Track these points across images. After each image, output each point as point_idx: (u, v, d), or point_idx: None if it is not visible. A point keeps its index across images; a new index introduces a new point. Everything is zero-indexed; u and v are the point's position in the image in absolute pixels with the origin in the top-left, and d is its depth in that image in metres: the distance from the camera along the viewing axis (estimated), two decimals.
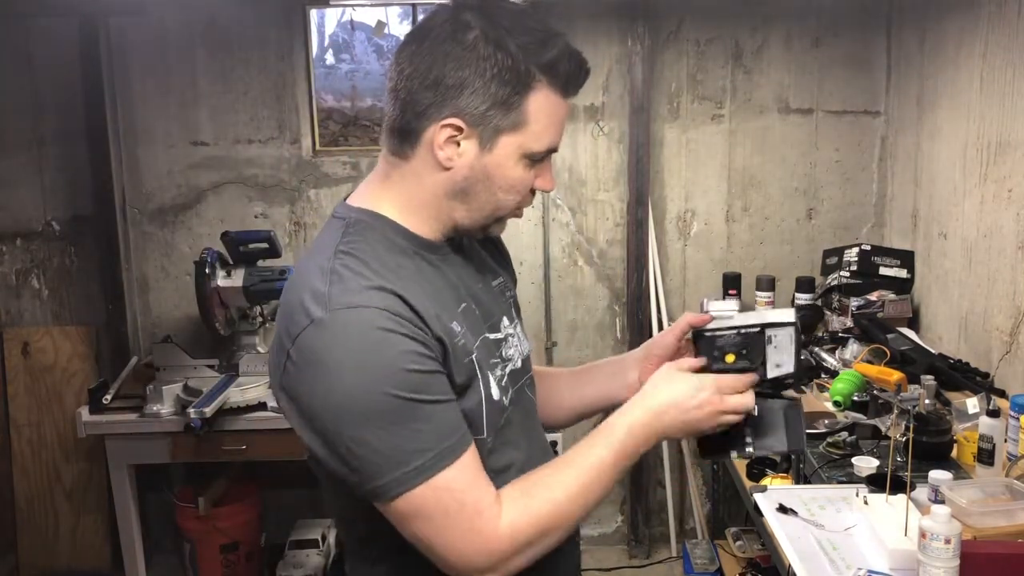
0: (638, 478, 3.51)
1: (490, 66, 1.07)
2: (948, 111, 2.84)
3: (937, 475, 1.78)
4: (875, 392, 2.36)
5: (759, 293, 3.20)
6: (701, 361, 1.22)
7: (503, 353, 1.23)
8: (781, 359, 1.22)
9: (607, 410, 1.28)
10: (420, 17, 3.30)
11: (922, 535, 1.47)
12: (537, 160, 1.15)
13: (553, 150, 1.16)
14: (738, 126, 3.37)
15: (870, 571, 1.62)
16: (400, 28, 3.67)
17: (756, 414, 1.21)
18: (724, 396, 1.17)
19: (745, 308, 1.30)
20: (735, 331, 1.23)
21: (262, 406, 2.85)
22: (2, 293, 3.41)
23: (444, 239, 1.19)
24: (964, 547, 1.47)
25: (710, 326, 1.25)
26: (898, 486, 1.75)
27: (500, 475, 1.13)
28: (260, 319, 3.08)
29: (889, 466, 1.80)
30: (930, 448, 2.05)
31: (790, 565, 1.68)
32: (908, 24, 3.16)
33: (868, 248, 3.15)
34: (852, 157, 3.38)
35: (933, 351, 2.75)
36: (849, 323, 2.94)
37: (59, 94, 3.28)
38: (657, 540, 3.58)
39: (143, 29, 3.27)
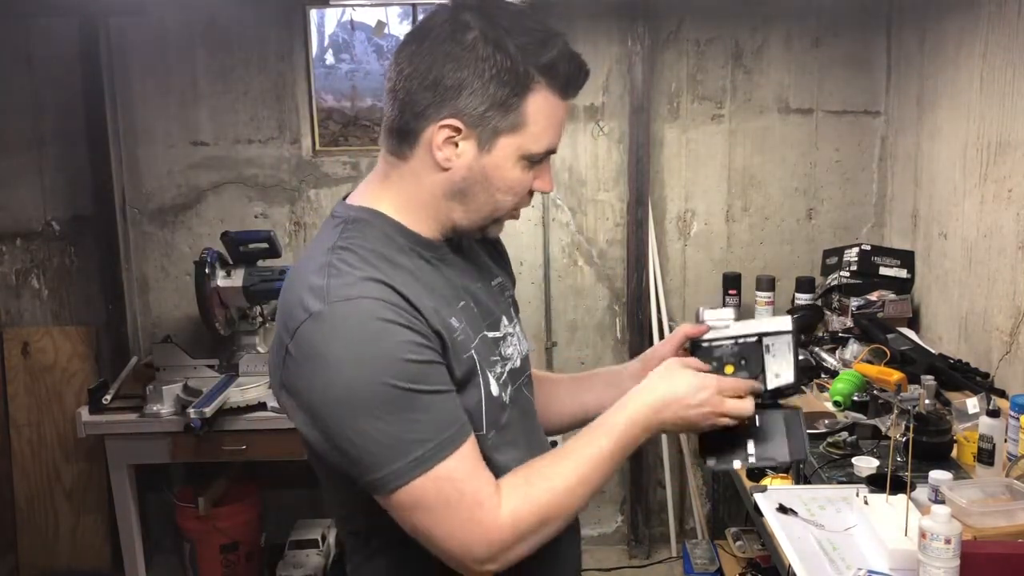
0: (638, 478, 3.51)
1: (489, 67, 1.08)
2: (948, 111, 2.84)
3: (937, 475, 1.78)
4: (875, 392, 2.36)
5: (759, 293, 3.20)
6: (704, 367, 1.22)
7: (502, 352, 1.23)
8: (780, 368, 1.22)
9: None
10: (420, 17, 3.30)
11: (922, 535, 1.47)
12: (536, 161, 1.15)
13: (552, 151, 1.16)
14: (738, 126, 3.37)
15: (870, 571, 1.62)
16: (400, 28, 3.67)
17: (756, 424, 1.21)
18: (724, 399, 1.17)
19: (744, 308, 1.30)
20: (732, 341, 1.24)
21: (262, 406, 2.85)
22: (2, 293, 3.41)
23: (443, 239, 1.19)
24: (964, 547, 1.46)
25: (707, 336, 1.25)
26: (898, 486, 1.75)
27: (500, 474, 1.13)
28: (260, 319, 3.08)
29: (889, 466, 1.80)
30: (930, 448, 2.05)
31: (790, 565, 1.68)
32: (908, 24, 3.16)
33: (868, 248, 3.15)
34: (852, 157, 3.38)
35: (933, 351, 2.75)
36: (849, 323, 2.94)
37: (59, 94, 3.28)
38: (657, 540, 3.58)
39: (143, 29, 3.27)
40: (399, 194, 1.16)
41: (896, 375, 2.42)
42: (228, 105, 3.34)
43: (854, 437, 2.21)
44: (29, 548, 3.39)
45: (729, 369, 1.23)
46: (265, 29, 3.30)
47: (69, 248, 3.41)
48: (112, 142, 3.29)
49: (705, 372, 1.21)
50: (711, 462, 1.25)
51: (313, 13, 3.42)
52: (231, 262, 2.99)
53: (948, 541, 1.44)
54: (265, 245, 3.00)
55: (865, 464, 2.03)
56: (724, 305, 3.26)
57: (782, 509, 1.87)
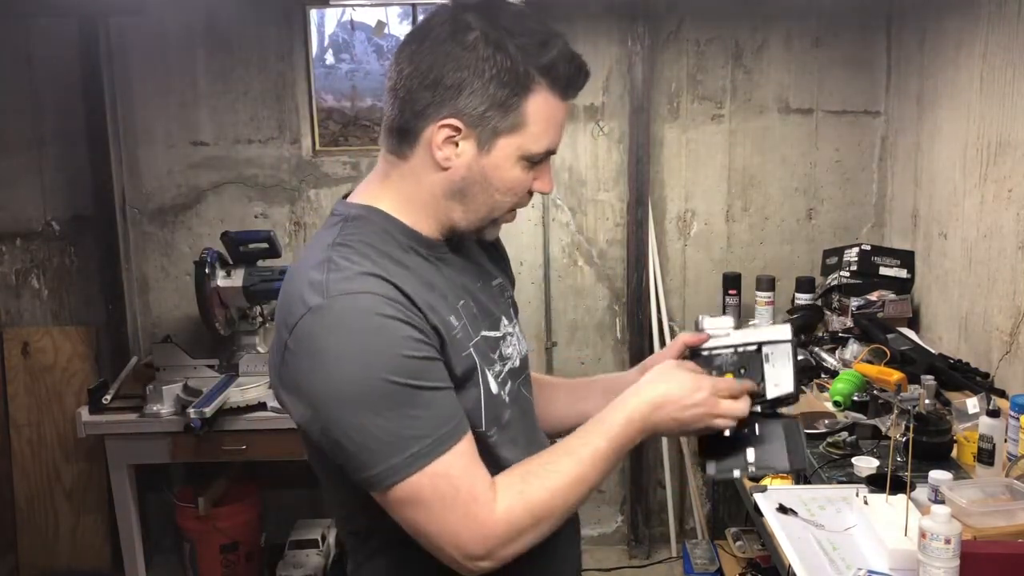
0: (638, 478, 3.51)
1: (489, 67, 1.08)
2: (948, 111, 2.84)
3: (937, 475, 1.78)
4: (875, 392, 2.36)
5: (759, 293, 3.20)
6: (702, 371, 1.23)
7: (502, 351, 1.23)
8: (780, 378, 1.23)
9: None
10: (420, 17, 3.30)
11: (922, 535, 1.47)
12: (535, 162, 1.15)
13: (551, 152, 1.17)
14: (738, 126, 3.37)
15: (870, 571, 1.62)
16: (400, 28, 3.67)
17: (756, 433, 1.22)
18: (719, 400, 1.17)
19: (745, 308, 1.31)
20: (732, 349, 1.24)
21: (262, 406, 2.85)
22: (2, 293, 3.41)
23: (442, 238, 1.19)
24: (964, 547, 1.46)
25: (707, 344, 1.26)
26: (898, 486, 1.75)
27: (499, 472, 1.13)
28: (260, 319, 3.08)
29: (889, 466, 1.80)
30: (930, 448, 2.05)
31: (790, 565, 1.68)
32: (908, 24, 3.16)
33: (868, 248, 3.15)
34: (852, 157, 3.38)
35: (933, 351, 2.75)
36: (849, 323, 2.94)
37: (59, 94, 3.28)
38: (657, 540, 3.58)
39: (143, 29, 3.27)
40: (399, 193, 1.16)
41: (896, 375, 2.42)
42: (228, 105, 3.34)
43: (854, 437, 2.21)
44: (29, 548, 3.39)
45: (729, 378, 1.23)
46: (265, 29, 3.30)
47: (69, 248, 3.41)
48: (112, 142, 3.29)
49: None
50: (711, 470, 1.25)
51: (313, 13, 3.42)
52: (231, 262, 2.99)
53: (948, 541, 1.45)
54: (265, 245, 3.00)
55: (865, 464, 2.03)
56: (724, 307, 3.26)
57: (782, 509, 1.87)
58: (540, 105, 1.11)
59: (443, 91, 1.08)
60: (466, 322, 1.15)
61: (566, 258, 3.46)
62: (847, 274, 3.10)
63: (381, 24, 3.62)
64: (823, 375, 2.69)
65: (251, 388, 2.88)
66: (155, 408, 2.84)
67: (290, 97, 3.34)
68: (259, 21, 3.29)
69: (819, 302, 3.13)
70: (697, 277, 3.46)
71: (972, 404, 2.18)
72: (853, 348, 2.76)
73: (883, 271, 3.09)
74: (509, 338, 1.26)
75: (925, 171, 3.03)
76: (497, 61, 1.08)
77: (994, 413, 1.96)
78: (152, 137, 3.36)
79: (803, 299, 3.15)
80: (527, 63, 1.09)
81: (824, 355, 2.78)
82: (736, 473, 1.24)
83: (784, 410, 1.27)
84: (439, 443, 1.05)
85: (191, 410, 2.69)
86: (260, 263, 3.00)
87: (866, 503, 1.78)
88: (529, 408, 1.31)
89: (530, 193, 1.18)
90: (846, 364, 2.66)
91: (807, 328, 3.03)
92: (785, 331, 1.25)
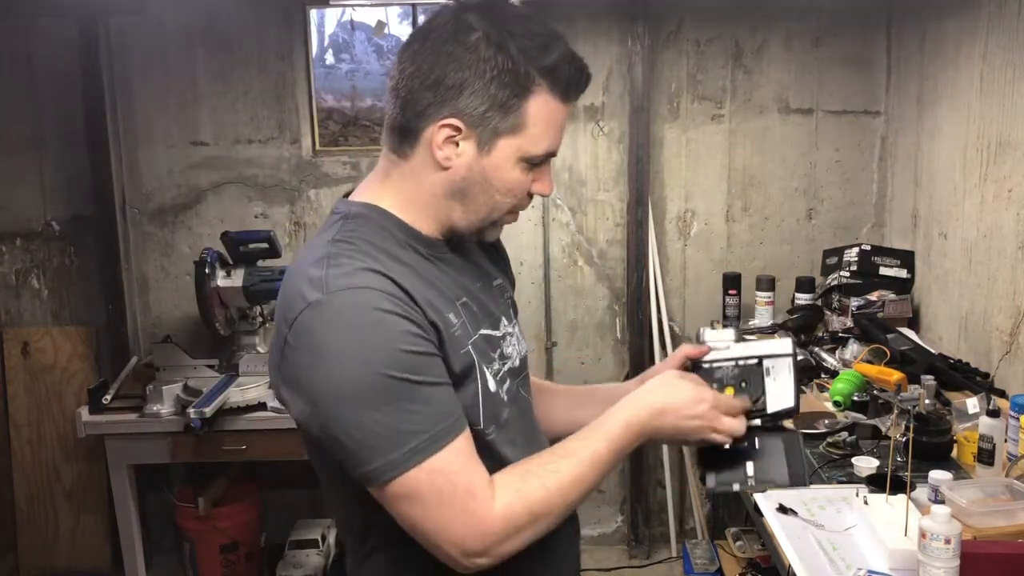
0: (638, 478, 3.51)
1: (490, 68, 1.08)
2: (948, 111, 2.84)
3: (937, 475, 1.78)
4: (875, 392, 2.36)
5: (759, 293, 3.20)
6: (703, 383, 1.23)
7: (502, 350, 1.23)
8: (780, 391, 1.23)
9: None
10: (420, 17, 3.31)
11: (922, 535, 1.47)
12: (535, 163, 1.15)
13: (552, 154, 1.17)
14: (738, 126, 3.37)
15: (870, 571, 1.62)
16: (400, 28, 3.67)
17: (756, 446, 1.22)
18: (719, 415, 1.18)
19: (744, 308, 1.31)
20: (733, 362, 1.24)
21: (262, 406, 2.85)
22: (2, 293, 3.41)
23: (442, 238, 1.19)
24: (964, 547, 1.47)
25: (708, 357, 1.26)
26: (898, 486, 1.75)
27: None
28: (260, 319, 3.08)
29: (889, 466, 1.80)
30: (930, 448, 2.05)
31: (790, 565, 1.68)
32: (908, 24, 3.16)
33: (868, 248, 3.15)
34: (852, 157, 3.38)
35: (933, 351, 2.75)
36: (849, 323, 2.94)
37: (59, 94, 3.28)
38: (657, 540, 3.58)
39: (143, 29, 3.27)
40: (399, 192, 1.16)
41: (896, 375, 2.42)
42: (228, 105, 3.34)
43: (854, 437, 2.21)
44: (29, 548, 3.40)
45: (730, 391, 1.23)
46: (265, 29, 3.30)
47: (69, 248, 3.41)
48: (112, 142, 3.29)
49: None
50: (711, 483, 1.25)
51: (313, 13, 3.42)
52: (231, 262, 2.99)
53: (948, 541, 1.45)
54: (265, 245, 3.00)
55: (865, 464, 2.03)
56: (724, 307, 3.26)
57: (782, 509, 1.87)
58: (540, 107, 1.11)
59: (444, 91, 1.09)
60: (465, 320, 1.15)
61: (566, 258, 3.46)
62: (847, 274, 3.10)
63: (381, 24, 3.62)
64: (823, 375, 2.69)
65: (251, 388, 2.88)
66: (155, 408, 2.84)
67: (290, 97, 3.34)
68: (259, 21, 3.29)
69: (819, 302, 3.13)
70: (697, 277, 3.46)
71: (972, 404, 2.18)
72: (853, 348, 2.76)
73: (883, 271, 3.09)
74: (509, 338, 1.26)
75: (925, 171, 3.03)
76: (498, 62, 1.08)
77: (994, 413, 1.96)
78: (152, 137, 3.36)
79: (803, 299, 3.15)
80: (528, 64, 1.09)
81: (824, 355, 2.78)
82: (736, 487, 1.25)
83: (785, 424, 1.27)
84: (437, 439, 1.05)
85: (191, 410, 2.69)
86: (260, 263, 3.00)
87: (866, 503, 1.78)
88: (528, 409, 1.31)
89: (530, 195, 1.18)
90: (846, 364, 2.66)
91: (807, 328, 3.03)
92: (786, 345, 1.25)
